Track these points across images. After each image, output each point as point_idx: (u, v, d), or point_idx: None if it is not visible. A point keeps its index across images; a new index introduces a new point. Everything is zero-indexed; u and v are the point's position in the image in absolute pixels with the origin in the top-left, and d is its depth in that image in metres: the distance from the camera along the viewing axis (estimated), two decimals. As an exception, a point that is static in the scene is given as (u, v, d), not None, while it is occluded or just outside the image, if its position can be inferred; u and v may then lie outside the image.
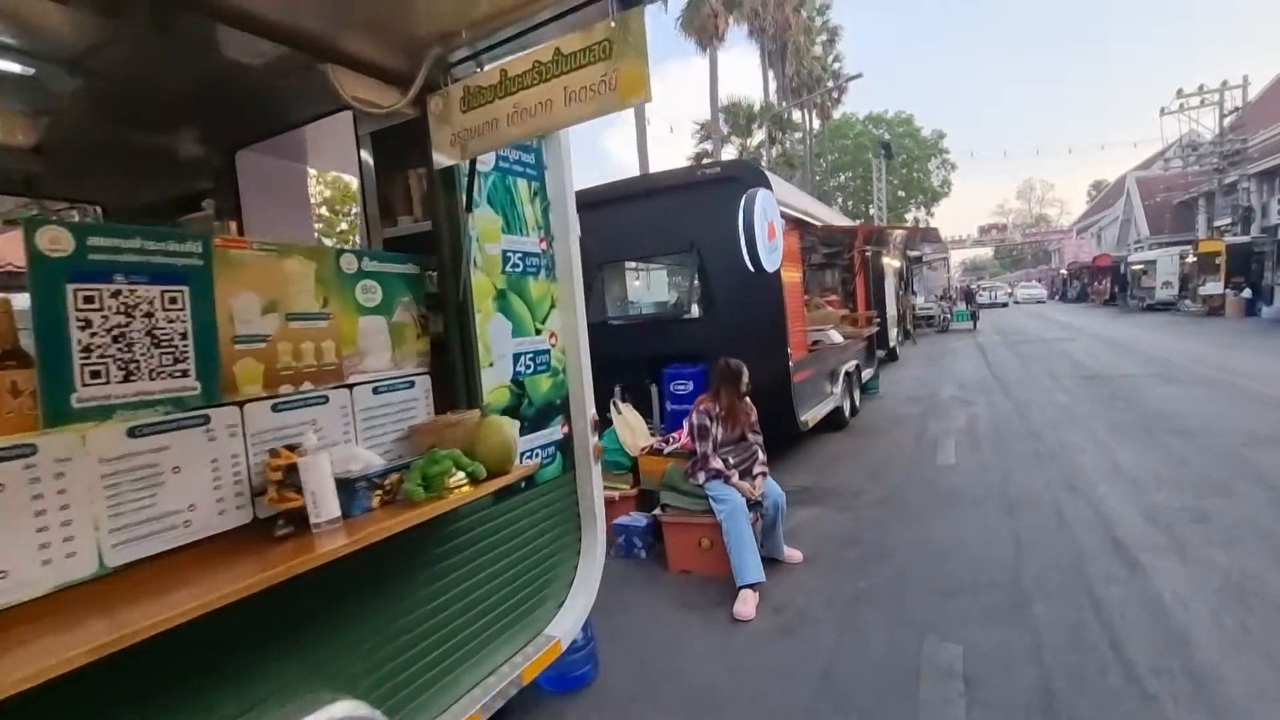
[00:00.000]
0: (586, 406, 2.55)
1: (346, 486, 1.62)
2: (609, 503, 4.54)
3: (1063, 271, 44.61)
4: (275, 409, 1.66)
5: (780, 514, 3.80)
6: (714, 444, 3.78)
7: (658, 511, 4.03)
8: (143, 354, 1.41)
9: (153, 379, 1.43)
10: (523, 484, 2.26)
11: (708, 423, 3.77)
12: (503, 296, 2.23)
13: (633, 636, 3.27)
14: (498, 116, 1.80)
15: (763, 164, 31.74)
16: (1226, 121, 27.28)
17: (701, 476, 3.76)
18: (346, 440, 1.81)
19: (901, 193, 47.70)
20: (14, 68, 1.82)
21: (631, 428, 4.64)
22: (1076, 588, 3.36)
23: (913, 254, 22.02)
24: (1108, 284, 33.28)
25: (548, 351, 2.44)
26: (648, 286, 6.69)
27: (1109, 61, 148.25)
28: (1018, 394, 9.11)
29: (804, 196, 6.66)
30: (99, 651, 1.05)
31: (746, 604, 3.35)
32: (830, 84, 36.43)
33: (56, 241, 1.28)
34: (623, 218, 6.20)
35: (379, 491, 1.71)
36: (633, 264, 6.61)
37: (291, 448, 1.60)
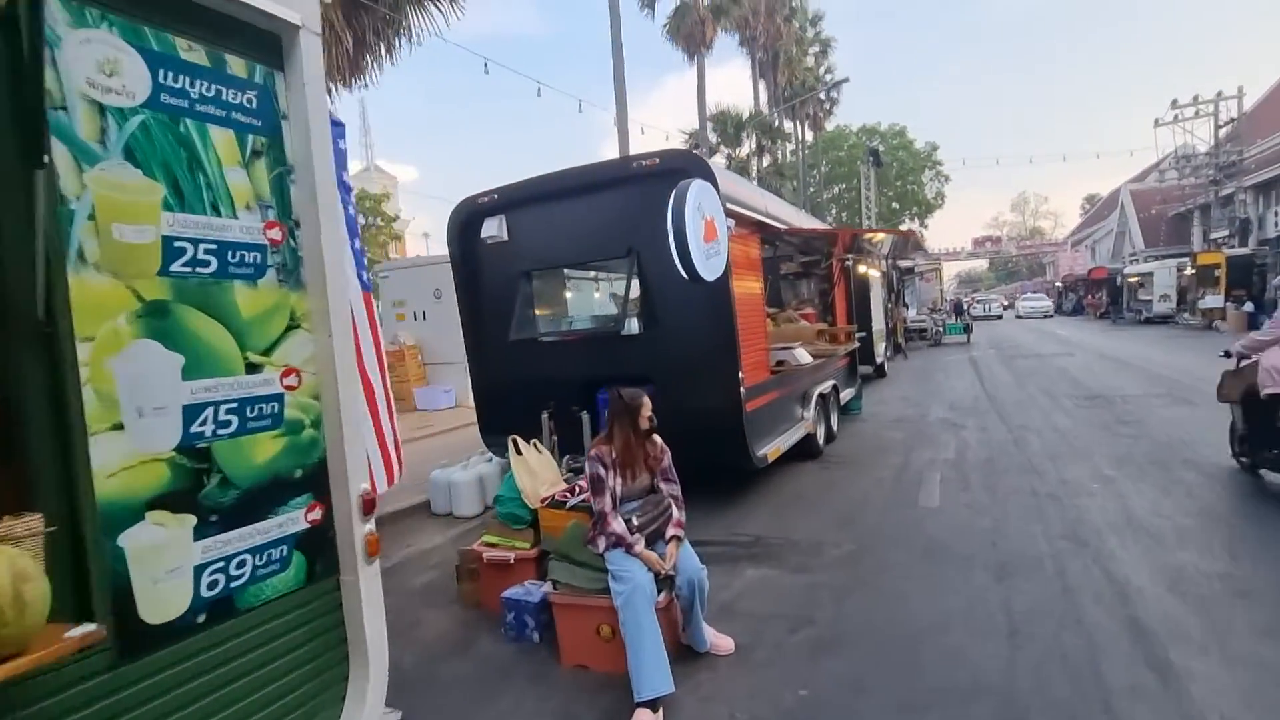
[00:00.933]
0: (353, 477, 1.69)
1: None
2: (503, 566, 3.67)
3: (1058, 284, 44.02)
4: None
5: (699, 595, 2.92)
6: (613, 499, 2.91)
7: (547, 588, 3.14)
8: None
9: None
10: (201, 618, 1.39)
11: (602, 472, 2.91)
12: (159, 312, 1.37)
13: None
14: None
15: (752, 175, 31.11)
16: (1222, 133, 26.79)
17: (601, 543, 2.89)
18: None
19: (895, 205, 47.24)
20: None
21: (533, 471, 3.76)
22: (1092, 704, 2.49)
23: (904, 264, 21.34)
24: (1104, 297, 32.62)
25: (277, 398, 1.58)
26: (594, 296, 5.85)
27: (1103, 72, 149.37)
28: (1013, 417, 8.26)
29: (764, 194, 5.84)
30: None
31: (643, 730, 2.47)
32: (819, 90, 35.91)
33: None
34: (553, 218, 5.36)
35: None
36: (571, 272, 5.77)
37: None
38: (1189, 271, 24.11)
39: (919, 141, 48.83)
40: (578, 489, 3.56)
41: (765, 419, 5.40)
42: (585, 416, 5.02)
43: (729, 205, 4.75)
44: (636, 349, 5.14)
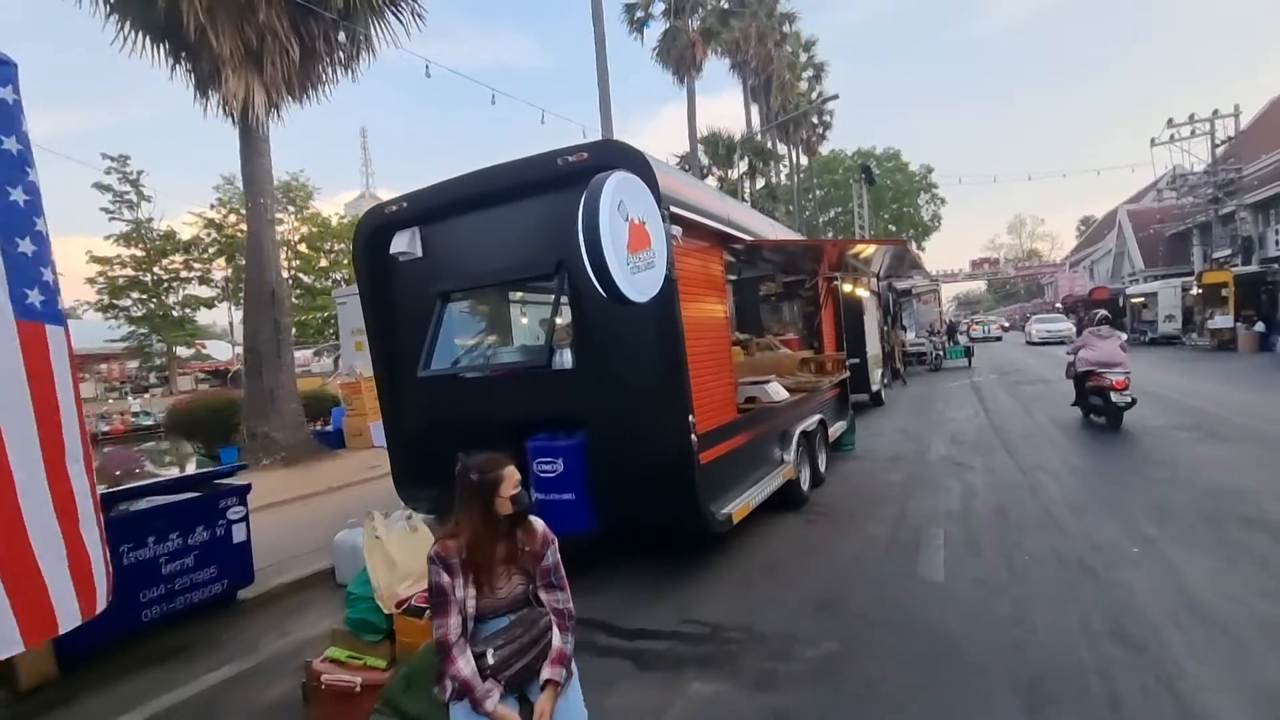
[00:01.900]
0: None
1: None
2: (347, 696, 2.69)
3: (1058, 305, 43.28)
4: None
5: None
6: (463, 620, 1.96)
7: (368, 756, 2.15)
8: None
9: None
10: None
11: (445, 581, 1.97)
12: None
13: None
14: None
15: (745, 197, 30.55)
16: (1219, 151, 26.27)
17: (446, 688, 1.92)
18: None
19: (892, 227, 46.83)
20: None
21: (392, 560, 2.79)
22: None
23: (901, 286, 20.50)
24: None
25: None
26: (522, 323, 4.91)
27: (1097, 93, 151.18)
28: (1024, 453, 7.29)
29: (726, 200, 4.95)
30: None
31: None
32: (808, 108, 35.67)
33: None
34: (475, 228, 4.49)
35: None
36: (496, 293, 4.86)
37: None
38: (1194, 291, 23.34)
39: (914, 164, 48.75)
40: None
41: (728, 470, 4.45)
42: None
43: (676, 210, 3.86)
44: (568, 387, 4.21)
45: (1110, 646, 3.04)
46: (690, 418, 3.73)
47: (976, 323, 40.37)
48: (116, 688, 3.48)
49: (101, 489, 4.54)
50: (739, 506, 4.37)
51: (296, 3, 9.69)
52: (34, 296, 1.63)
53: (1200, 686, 2.67)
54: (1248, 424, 7.97)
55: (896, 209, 46.85)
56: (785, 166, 40.44)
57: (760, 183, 34.91)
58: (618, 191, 2.95)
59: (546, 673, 1.99)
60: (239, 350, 22.99)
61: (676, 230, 3.76)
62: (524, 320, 4.80)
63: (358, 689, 2.58)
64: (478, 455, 2.18)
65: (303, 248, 34.63)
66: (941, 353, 20.67)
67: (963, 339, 23.41)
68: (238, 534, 4.30)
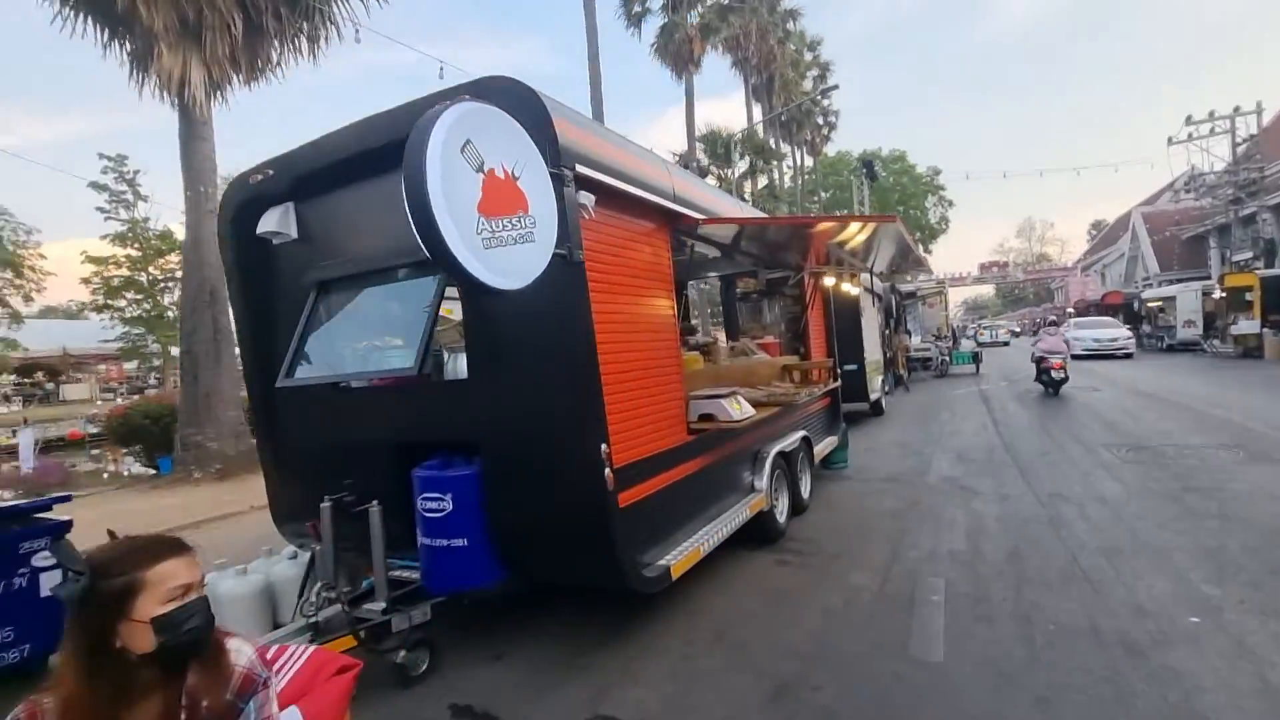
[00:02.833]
0: None
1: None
2: None
3: (1069, 310, 42.11)
4: None
5: None
6: None
7: None
8: None
9: None
10: None
11: None
12: None
13: None
14: None
15: (746, 196, 29.58)
16: (1240, 149, 25.14)
17: None
18: None
19: (898, 230, 45.76)
20: None
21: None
22: None
23: (906, 288, 19.47)
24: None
25: None
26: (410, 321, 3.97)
27: (1112, 93, 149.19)
28: (1041, 478, 6.32)
29: (671, 167, 3.96)
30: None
31: None
32: (806, 101, 34.76)
33: None
34: (357, 203, 3.60)
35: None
36: (396, 283, 3.94)
37: None
38: (1217, 295, 22.20)
39: (920, 166, 47.70)
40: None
41: (670, 508, 3.52)
42: (376, 509, 3.15)
43: (590, 172, 2.94)
44: (460, 402, 3.30)
45: (1182, 793, 2.09)
46: (603, 447, 2.80)
47: (984, 327, 39.31)
48: None
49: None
50: (683, 556, 3.44)
51: (237, -27, 8.88)
52: None
53: None
54: (1300, 443, 6.98)
55: (903, 211, 45.81)
56: (790, 168, 39.47)
57: (763, 181, 33.99)
58: (462, 128, 2.04)
59: None
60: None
61: (588, 198, 2.85)
62: (415, 318, 3.89)
63: None
64: (102, 547, 1.28)
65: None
66: (948, 358, 19.66)
67: (968, 343, 22.37)
68: (45, 584, 3.41)
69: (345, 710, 1.90)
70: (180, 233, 32.20)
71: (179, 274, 31.37)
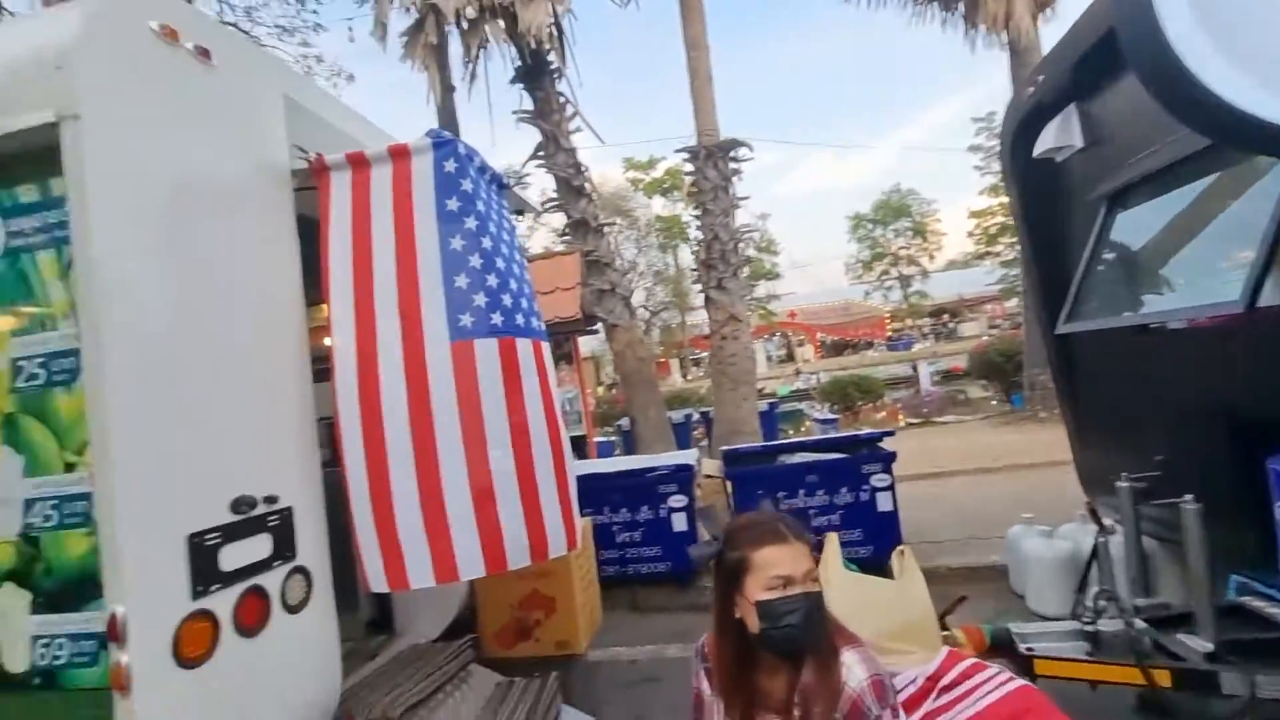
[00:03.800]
0: (135, 580, 1.49)
1: None
2: None
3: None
4: None
5: None
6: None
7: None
8: None
9: None
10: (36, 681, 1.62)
11: (703, 689, 1.48)
12: (10, 424, 1.64)
13: None
14: None
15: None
16: None
17: None
18: None
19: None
20: None
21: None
22: None
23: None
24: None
25: (85, 497, 1.58)
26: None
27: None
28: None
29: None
30: None
31: None
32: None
33: None
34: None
35: None
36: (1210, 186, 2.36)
37: None
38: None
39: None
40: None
41: None
42: (1191, 508, 2.15)
43: None
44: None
45: None
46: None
47: None
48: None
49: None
50: None
51: None
52: (465, 319, 2.10)
53: None
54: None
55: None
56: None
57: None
58: None
59: None
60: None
61: None
62: (1245, 225, 2.26)
63: None
64: (743, 517, 1.33)
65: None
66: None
67: None
68: (882, 502, 4.11)
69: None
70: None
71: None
